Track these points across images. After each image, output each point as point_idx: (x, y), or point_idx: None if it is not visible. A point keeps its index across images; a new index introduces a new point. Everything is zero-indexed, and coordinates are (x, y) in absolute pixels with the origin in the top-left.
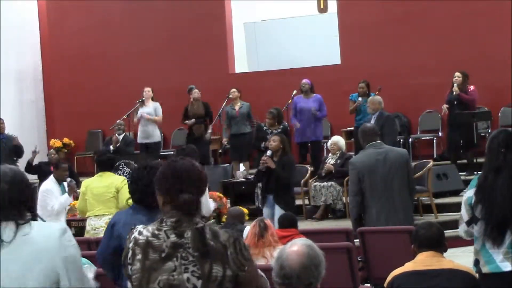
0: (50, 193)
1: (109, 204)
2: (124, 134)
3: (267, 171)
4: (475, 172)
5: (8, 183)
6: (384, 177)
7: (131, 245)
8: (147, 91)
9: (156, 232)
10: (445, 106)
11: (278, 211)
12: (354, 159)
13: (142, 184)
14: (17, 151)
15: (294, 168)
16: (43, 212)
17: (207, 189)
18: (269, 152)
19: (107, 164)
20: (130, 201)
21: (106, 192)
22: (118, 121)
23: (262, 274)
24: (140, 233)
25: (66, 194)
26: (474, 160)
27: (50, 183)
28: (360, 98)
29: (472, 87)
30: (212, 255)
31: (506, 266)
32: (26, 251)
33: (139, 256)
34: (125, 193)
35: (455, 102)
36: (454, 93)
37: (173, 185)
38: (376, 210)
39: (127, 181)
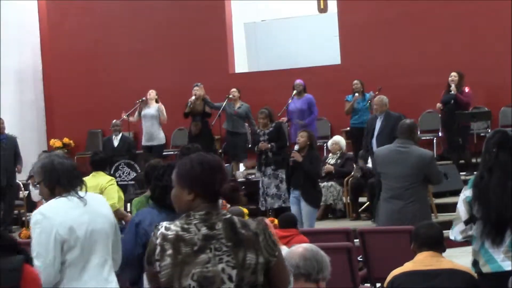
0: None
1: None
2: (121, 134)
3: (294, 166)
4: (475, 172)
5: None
6: (396, 175)
7: (158, 241)
8: (151, 92)
9: (186, 226)
10: (439, 105)
11: (305, 207)
12: (377, 149)
13: (162, 183)
14: (17, 159)
15: (320, 162)
16: None
17: None
18: (296, 147)
19: (98, 164)
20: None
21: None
22: (114, 121)
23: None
24: (167, 228)
25: None
26: (474, 160)
27: None
28: (356, 94)
29: (467, 89)
30: (245, 243)
31: (507, 265)
32: None
33: (169, 251)
34: (110, 193)
35: (451, 101)
36: (452, 92)
37: (212, 177)
38: (383, 205)
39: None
